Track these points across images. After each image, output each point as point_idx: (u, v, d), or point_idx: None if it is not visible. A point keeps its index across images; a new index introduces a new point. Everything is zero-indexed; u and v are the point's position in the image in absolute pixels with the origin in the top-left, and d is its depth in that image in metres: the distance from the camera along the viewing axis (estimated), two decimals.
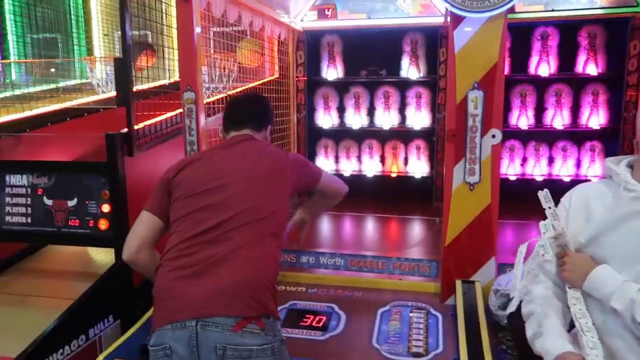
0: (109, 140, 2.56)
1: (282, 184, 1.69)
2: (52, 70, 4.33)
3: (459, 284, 2.46)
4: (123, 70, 2.59)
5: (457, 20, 2.32)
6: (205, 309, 1.43)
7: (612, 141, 4.06)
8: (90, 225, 2.63)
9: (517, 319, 2.14)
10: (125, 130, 2.64)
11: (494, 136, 2.35)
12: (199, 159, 1.74)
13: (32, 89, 3.91)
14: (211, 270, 1.47)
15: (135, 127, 2.69)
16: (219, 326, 1.41)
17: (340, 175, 4.68)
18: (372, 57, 4.51)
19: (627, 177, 1.39)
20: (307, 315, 2.43)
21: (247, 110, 1.90)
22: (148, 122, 2.84)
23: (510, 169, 4.32)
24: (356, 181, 4.69)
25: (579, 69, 4.11)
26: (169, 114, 3.07)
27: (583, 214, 1.47)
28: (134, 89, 3.10)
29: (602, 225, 1.41)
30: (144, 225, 1.64)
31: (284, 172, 1.71)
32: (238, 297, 1.44)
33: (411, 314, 2.42)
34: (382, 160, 4.64)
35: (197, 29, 2.60)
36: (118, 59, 2.62)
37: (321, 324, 2.36)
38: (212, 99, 2.82)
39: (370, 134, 4.63)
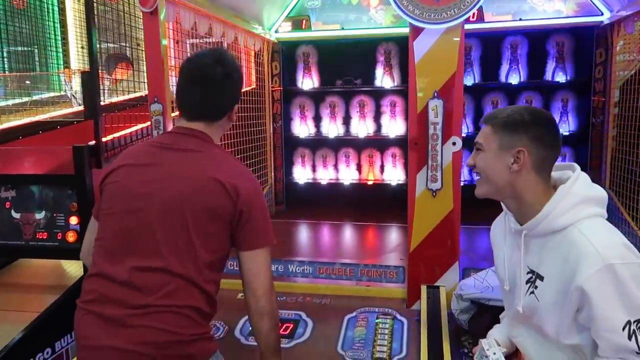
0: (77, 152, 2.56)
1: (214, 224, 1.44)
2: (27, 82, 4.34)
3: (424, 289, 2.50)
4: (90, 83, 2.61)
5: (417, 31, 2.37)
6: None
7: (581, 147, 4.14)
8: (59, 237, 2.64)
9: (477, 322, 2.19)
10: (93, 142, 2.65)
11: (454, 143, 2.40)
12: (132, 164, 1.51)
13: (5, 102, 3.91)
14: (132, 323, 1.36)
15: (104, 139, 2.70)
16: None
17: (317, 184, 4.73)
18: (347, 67, 4.57)
19: None
20: None
21: (209, 99, 1.51)
22: (117, 135, 2.85)
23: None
24: (333, 189, 4.74)
25: (548, 76, 4.20)
26: (140, 126, 3.09)
27: None
28: (109, 101, 3.12)
29: None
30: (90, 231, 1.64)
31: (220, 214, 1.43)
32: (163, 356, 1.36)
33: (377, 320, 2.44)
34: (359, 168, 4.69)
35: (164, 42, 2.63)
36: (85, 72, 2.64)
37: (288, 331, 2.37)
38: None
39: (346, 143, 4.68)
